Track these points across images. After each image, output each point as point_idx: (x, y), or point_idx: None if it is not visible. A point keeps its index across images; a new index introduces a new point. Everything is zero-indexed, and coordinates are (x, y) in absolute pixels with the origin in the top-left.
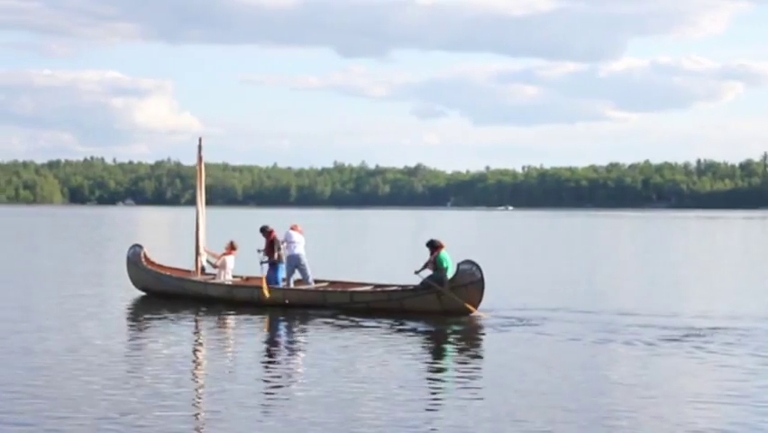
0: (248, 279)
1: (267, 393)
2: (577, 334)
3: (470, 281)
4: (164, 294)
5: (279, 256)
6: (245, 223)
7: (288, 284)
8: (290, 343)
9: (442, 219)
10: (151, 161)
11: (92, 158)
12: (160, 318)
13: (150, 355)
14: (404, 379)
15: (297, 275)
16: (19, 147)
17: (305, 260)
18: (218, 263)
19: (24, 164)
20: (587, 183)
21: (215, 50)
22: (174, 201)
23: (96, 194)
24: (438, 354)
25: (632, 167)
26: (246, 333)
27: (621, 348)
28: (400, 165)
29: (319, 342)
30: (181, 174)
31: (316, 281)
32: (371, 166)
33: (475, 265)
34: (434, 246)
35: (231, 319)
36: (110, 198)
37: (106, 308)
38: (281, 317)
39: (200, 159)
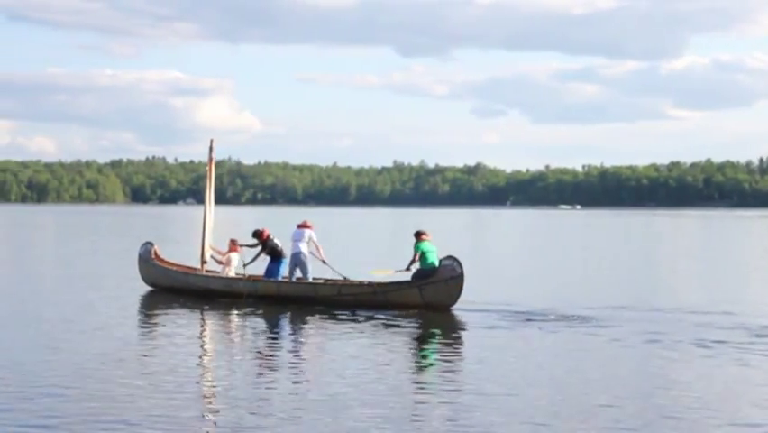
0: (250, 276)
1: (252, 385)
2: (627, 333)
3: (451, 276)
4: (171, 289)
5: (280, 252)
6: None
7: (291, 279)
8: (278, 334)
9: (500, 218)
10: None
11: (153, 157)
12: (161, 312)
13: (146, 346)
14: (385, 368)
15: (298, 272)
16: (82, 147)
17: (305, 258)
18: (224, 260)
19: (87, 164)
20: (648, 182)
21: (275, 50)
22: (234, 200)
23: (158, 193)
24: (415, 345)
25: (693, 165)
26: (238, 325)
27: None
28: (460, 164)
29: (307, 333)
30: (241, 173)
31: (315, 279)
32: (431, 165)
33: (456, 261)
34: (418, 235)
35: (226, 312)
36: (171, 198)
37: (112, 302)
38: (274, 310)
39: (211, 159)
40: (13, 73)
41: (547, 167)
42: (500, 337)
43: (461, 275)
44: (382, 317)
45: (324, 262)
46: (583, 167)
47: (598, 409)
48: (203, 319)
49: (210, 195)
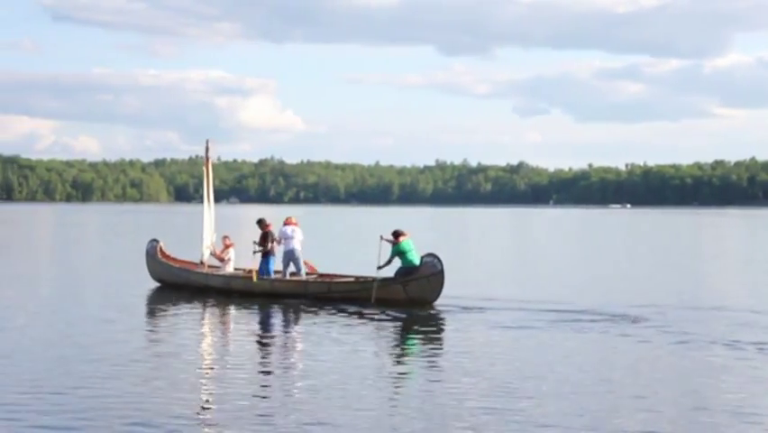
0: (249, 271)
1: (242, 377)
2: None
3: (432, 273)
4: (174, 285)
5: (272, 248)
6: (345, 221)
7: (284, 276)
8: (271, 329)
9: (545, 216)
10: (255, 160)
11: (197, 156)
12: (164, 307)
13: (143, 340)
14: (370, 362)
15: (291, 268)
16: (125, 146)
17: (298, 254)
18: (222, 256)
19: (131, 163)
20: (692, 181)
21: (318, 50)
22: (277, 199)
23: (201, 192)
24: (398, 339)
25: (737, 164)
26: (233, 320)
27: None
28: (502, 163)
29: (299, 327)
30: (284, 172)
31: (308, 274)
32: (473, 164)
33: (437, 258)
34: (396, 235)
35: (224, 307)
36: (214, 197)
37: (118, 299)
38: (268, 305)
39: (207, 159)
40: (58, 73)
41: (590, 166)
42: (534, 337)
43: (442, 272)
44: (363, 309)
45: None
46: (627, 166)
47: (631, 408)
48: (199, 315)
49: (209, 194)
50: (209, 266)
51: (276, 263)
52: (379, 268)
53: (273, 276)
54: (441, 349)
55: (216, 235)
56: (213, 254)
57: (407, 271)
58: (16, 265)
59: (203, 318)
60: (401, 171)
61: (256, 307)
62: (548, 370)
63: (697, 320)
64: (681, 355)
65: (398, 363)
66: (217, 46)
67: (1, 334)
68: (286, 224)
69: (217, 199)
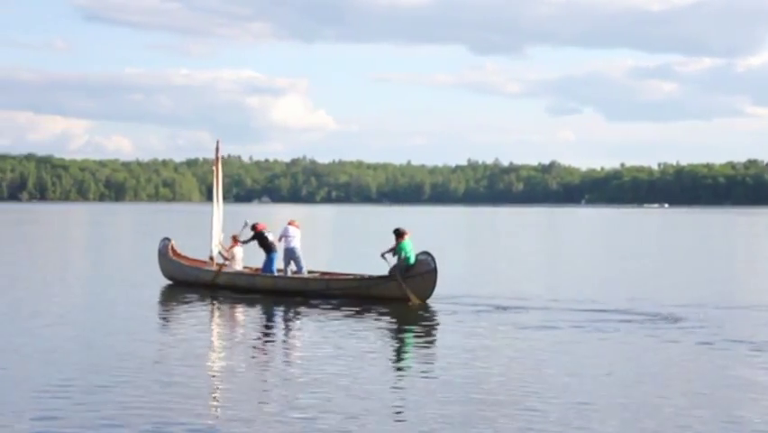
0: (257, 269)
1: (242, 371)
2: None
3: (426, 271)
4: (185, 282)
5: (270, 246)
6: (376, 221)
7: (285, 274)
8: (275, 324)
9: (578, 216)
10: (287, 159)
11: (229, 156)
12: (173, 305)
13: (147, 335)
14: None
15: (293, 266)
16: (158, 146)
17: (299, 252)
18: (228, 255)
19: (164, 162)
20: (724, 180)
21: (349, 49)
22: (309, 199)
23: (233, 192)
24: (393, 335)
25: None
26: (238, 317)
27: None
28: (534, 162)
29: (300, 323)
30: (316, 172)
31: (310, 272)
32: (505, 163)
33: (430, 256)
34: (398, 234)
35: (229, 305)
36: (246, 196)
37: (130, 296)
38: (271, 302)
39: (217, 159)
40: (90, 73)
41: (622, 165)
42: (560, 337)
43: (435, 269)
44: (360, 307)
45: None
46: (659, 165)
47: (656, 410)
48: (205, 312)
49: (218, 194)
50: (218, 264)
51: (278, 262)
52: (398, 267)
53: (276, 273)
54: (458, 348)
55: (225, 234)
56: (221, 253)
57: (404, 268)
58: (41, 264)
59: (209, 316)
60: (433, 171)
61: (259, 304)
62: (571, 370)
63: (730, 320)
64: (710, 356)
65: (413, 360)
66: (249, 46)
67: (20, 331)
68: (289, 224)
69: (249, 199)
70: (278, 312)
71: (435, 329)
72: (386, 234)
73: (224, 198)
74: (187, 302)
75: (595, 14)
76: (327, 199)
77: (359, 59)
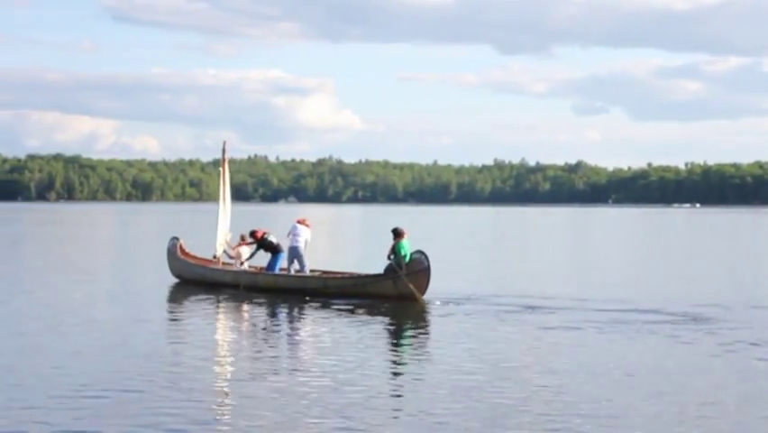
0: (261, 268)
1: (238, 367)
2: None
3: (420, 269)
4: (192, 281)
5: (276, 247)
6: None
7: (288, 272)
8: (274, 321)
9: (605, 216)
10: (313, 159)
11: (255, 156)
12: (172, 303)
13: (149, 330)
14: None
15: (296, 265)
16: (185, 146)
17: (302, 251)
18: (233, 254)
19: (190, 162)
20: (752, 180)
21: (376, 49)
22: (335, 199)
23: (260, 192)
24: (389, 332)
25: None
26: (239, 313)
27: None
28: (560, 162)
29: (299, 319)
30: (342, 172)
31: (312, 271)
32: (531, 163)
33: (424, 255)
34: (396, 234)
35: (232, 302)
36: (273, 196)
37: (138, 295)
38: (272, 299)
39: (224, 160)
40: (118, 73)
41: (649, 165)
42: (583, 337)
43: (428, 268)
44: (356, 305)
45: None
46: (686, 165)
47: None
48: (208, 310)
49: (225, 194)
50: (224, 262)
51: (282, 261)
52: (399, 266)
53: (278, 272)
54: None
55: (233, 234)
56: (226, 252)
57: (399, 266)
58: (61, 263)
59: (214, 313)
60: (459, 171)
61: (262, 300)
62: (590, 370)
63: (760, 321)
64: (736, 357)
65: (420, 359)
66: (275, 46)
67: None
68: (298, 222)
69: (275, 199)
70: (276, 310)
71: (455, 329)
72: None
73: (251, 198)
74: (191, 300)
75: (621, 14)
76: (353, 199)
77: (385, 58)
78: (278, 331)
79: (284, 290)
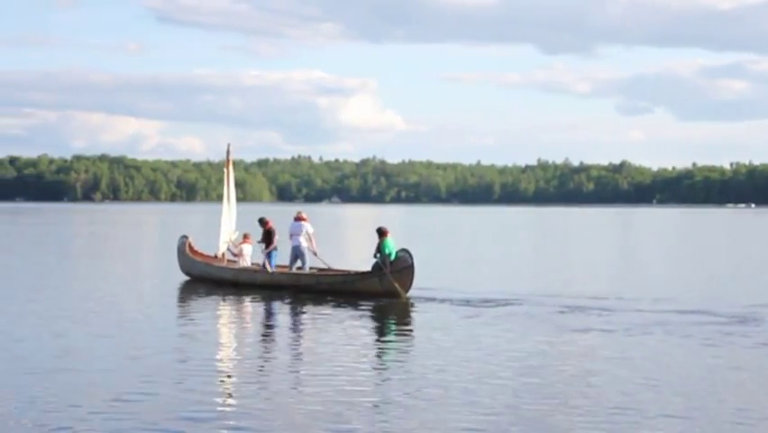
0: (278, 267)
1: (232, 360)
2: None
3: (404, 267)
4: (199, 278)
5: (275, 244)
6: (445, 221)
7: (291, 269)
8: (268, 315)
9: (651, 216)
10: (356, 159)
11: (299, 156)
12: (177, 299)
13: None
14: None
15: (298, 262)
16: None
17: (304, 249)
18: (236, 252)
19: (234, 163)
20: None
21: (418, 49)
22: (379, 199)
23: (303, 192)
24: (375, 327)
25: None
26: (235, 308)
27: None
28: (604, 162)
29: (292, 314)
30: (386, 172)
31: (311, 268)
32: (575, 163)
33: (408, 253)
34: (380, 233)
35: (232, 298)
36: (316, 196)
37: (151, 291)
38: (267, 295)
39: (228, 161)
40: (162, 74)
41: (694, 165)
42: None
43: (412, 266)
44: (344, 301)
45: (315, 254)
46: (731, 164)
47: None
48: (210, 305)
49: (229, 194)
50: (228, 260)
51: (282, 258)
52: (383, 263)
53: (274, 269)
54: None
55: (238, 233)
56: (230, 250)
57: (383, 264)
58: (93, 261)
59: (214, 309)
60: (503, 171)
61: (258, 296)
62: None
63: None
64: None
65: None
66: (318, 46)
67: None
68: (296, 219)
69: (319, 199)
70: (274, 304)
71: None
72: (449, 235)
73: (295, 199)
74: (194, 297)
75: (665, 13)
76: (397, 199)
77: (428, 58)
78: (272, 326)
79: (280, 287)
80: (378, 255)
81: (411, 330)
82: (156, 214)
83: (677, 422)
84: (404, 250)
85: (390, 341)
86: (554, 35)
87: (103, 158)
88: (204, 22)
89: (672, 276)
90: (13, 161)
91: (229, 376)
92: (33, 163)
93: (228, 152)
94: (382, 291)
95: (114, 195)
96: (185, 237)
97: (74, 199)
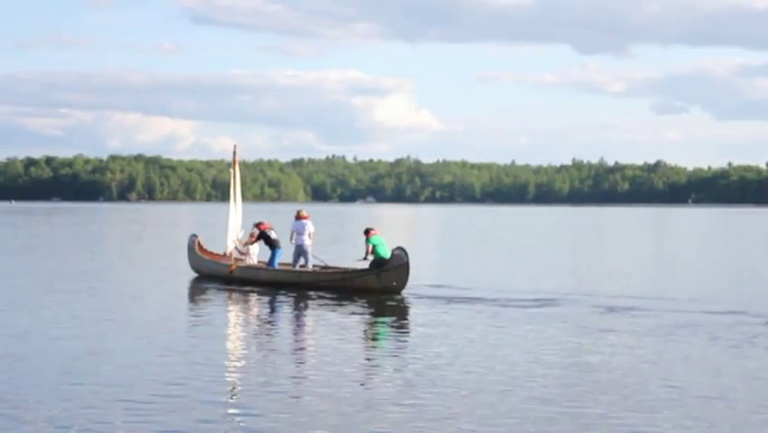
0: (282, 264)
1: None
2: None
3: (399, 264)
4: (207, 275)
5: (273, 243)
6: (479, 221)
7: (295, 267)
8: (271, 311)
9: (687, 216)
10: (391, 159)
11: (333, 156)
12: (184, 295)
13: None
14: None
15: (301, 261)
16: (264, 146)
17: (307, 248)
18: (244, 250)
19: (269, 163)
20: None
21: (453, 49)
22: (413, 199)
23: (338, 192)
24: (370, 322)
25: None
26: (238, 305)
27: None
28: (639, 162)
29: (294, 310)
30: (420, 172)
31: (314, 266)
32: (610, 163)
33: (403, 251)
34: (365, 232)
35: (230, 294)
36: (351, 196)
37: (163, 287)
38: (270, 292)
39: (234, 162)
40: (198, 74)
41: (730, 164)
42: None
43: (407, 263)
44: (344, 296)
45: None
46: (767, 164)
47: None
48: (210, 301)
49: (235, 194)
50: (235, 258)
51: (286, 257)
52: (365, 259)
53: (278, 267)
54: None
55: (244, 232)
56: (237, 248)
57: (379, 263)
58: (120, 261)
59: (218, 306)
60: (537, 171)
61: (261, 292)
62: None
63: None
64: None
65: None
66: (354, 46)
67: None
68: (298, 218)
69: (353, 199)
70: (277, 300)
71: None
72: (484, 234)
73: (329, 198)
74: (201, 294)
75: (701, 12)
76: (431, 199)
77: (463, 58)
78: (275, 321)
79: (282, 284)
80: (371, 256)
81: (426, 329)
82: (190, 214)
83: (707, 427)
84: (399, 248)
85: (407, 341)
86: (590, 35)
87: (138, 158)
88: (239, 22)
89: (708, 277)
90: (49, 160)
91: (231, 372)
92: (69, 163)
93: (234, 154)
94: (379, 288)
95: (150, 195)
96: (194, 236)
97: (110, 199)
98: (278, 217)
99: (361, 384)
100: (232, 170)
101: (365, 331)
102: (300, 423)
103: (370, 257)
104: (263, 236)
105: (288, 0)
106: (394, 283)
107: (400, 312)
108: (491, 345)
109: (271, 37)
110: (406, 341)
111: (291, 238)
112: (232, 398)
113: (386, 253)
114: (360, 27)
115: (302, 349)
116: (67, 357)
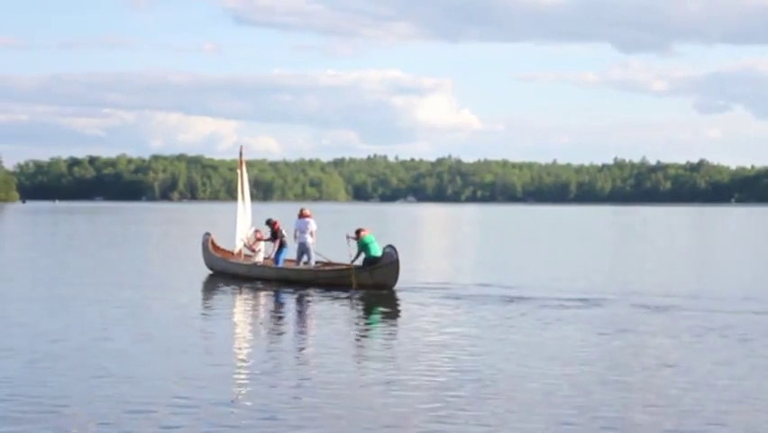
0: (287, 261)
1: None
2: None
3: (389, 262)
4: (219, 272)
5: (283, 242)
6: (521, 220)
7: (298, 264)
8: (274, 306)
9: (730, 216)
10: (432, 159)
11: (374, 156)
12: (191, 292)
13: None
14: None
15: (305, 258)
16: (305, 146)
17: (309, 245)
18: (252, 248)
19: (310, 162)
20: None
21: (493, 48)
22: (454, 198)
23: (379, 191)
24: (363, 317)
25: None
26: (239, 301)
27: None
28: (682, 161)
29: (295, 305)
30: (461, 171)
31: (317, 262)
32: (652, 162)
33: (393, 249)
34: (358, 232)
35: (236, 290)
36: (392, 196)
37: (174, 281)
38: (273, 289)
39: (241, 162)
40: (240, 74)
41: None
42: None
43: (397, 261)
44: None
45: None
46: None
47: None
48: (218, 298)
49: (243, 193)
50: (245, 255)
51: (291, 254)
52: (353, 261)
53: (282, 265)
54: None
55: (252, 230)
56: (246, 246)
57: (372, 261)
58: (151, 258)
59: (226, 302)
60: (579, 170)
61: (267, 291)
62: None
63: None
64: None
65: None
66: (393, 46)
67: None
68: (300, 216)
69: (394, 198)
70: (280, 296)
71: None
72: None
73: (370, 198)
74: (213, 290)
75: (744, 10)
76: (472, 199)
77: (503, 57)
78: (276, 320)
79: (286, 281)
80: (362, 255)
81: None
82: (231, 213)
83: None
84: (390, 246)
85: (435, 342)
86: (631, 33)
87: (180, 157)
88: (279, 22)
89: (753, 276)
90: (92, 160)
91: (237, 369)
92: (112, 163)
93: (240, 153)
94: (372, 284)
95: (192, 194)
96: (208, 234)
97: (152, 199)
98: (320, 217)
99: (386, 384)
100: (239, 170)
101: (385, 332)
102: (301, 423)
103: (362, 256)
104: (276, 235)
105: (329, 0)
106: (385, 280)
107: (435, 313)
108: (530, 345)
109: (311, 37)
110: (437, 343)
111: (294, 236)
112: (234, 408)
113: (377, 251)
114: (398, 27)
115: (304, 349)
116: (79, 356)
